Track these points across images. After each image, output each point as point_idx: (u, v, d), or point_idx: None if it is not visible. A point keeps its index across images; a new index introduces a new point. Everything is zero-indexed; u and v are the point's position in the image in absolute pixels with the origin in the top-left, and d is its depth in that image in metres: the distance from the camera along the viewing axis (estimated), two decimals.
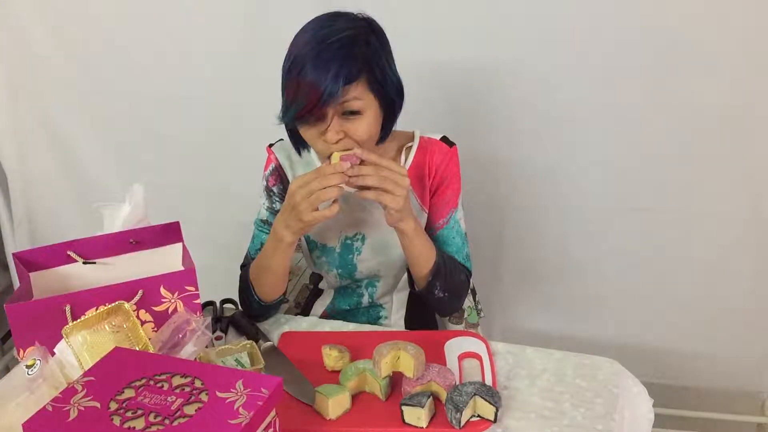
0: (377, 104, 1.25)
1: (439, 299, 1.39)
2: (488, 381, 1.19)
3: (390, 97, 1.27)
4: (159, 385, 0.95)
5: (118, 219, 1.28)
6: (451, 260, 1.40)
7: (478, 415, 1.12)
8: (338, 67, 1.17)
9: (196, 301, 1.19)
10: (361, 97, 1.21)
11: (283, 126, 1.32)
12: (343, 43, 1.19)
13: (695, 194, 1.75)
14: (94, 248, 1.26)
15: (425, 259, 1.34)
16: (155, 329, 1.16)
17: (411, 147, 1.42)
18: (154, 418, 0.89)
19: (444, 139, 1.43)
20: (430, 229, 1.43)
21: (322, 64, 1.17)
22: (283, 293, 1.40)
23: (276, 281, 1.36)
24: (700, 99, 1.65)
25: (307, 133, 1.26)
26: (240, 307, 1.44)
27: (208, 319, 1.17)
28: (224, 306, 1.46)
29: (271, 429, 0.96)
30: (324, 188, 1.18)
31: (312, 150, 1.41)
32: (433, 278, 1.35)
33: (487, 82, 1.76)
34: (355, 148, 1.21)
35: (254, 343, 1.28)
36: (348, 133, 1.23)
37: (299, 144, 1.36)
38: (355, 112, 1.22)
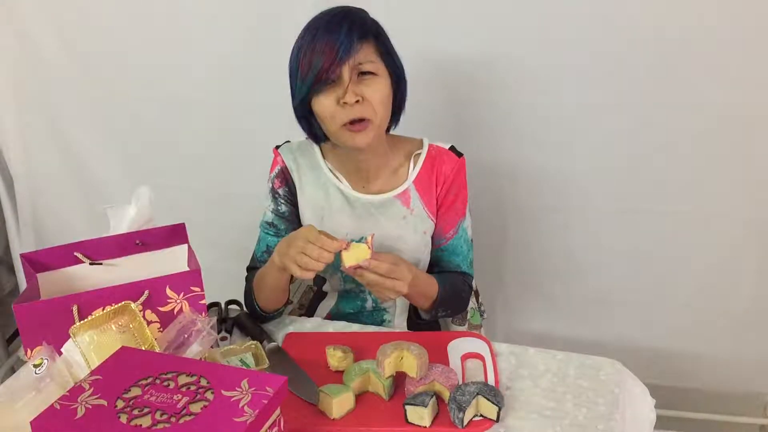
0: (387, 71, 1.29)
1: (443, 316, 1.46)
2: (491, 381, 1.20)
3: (397, 72, 1.31)
4: (165, 383, 0.96)
5: (125, 221, 1.29)
6: (452, 285, 1.42)
7: (481, 415, 1.13)
8: (350, 25, 1.23)
9: (201, 302, 1.20)
10: (373, 59, 1.26)
11: (288, 127, 1.34)
12: (350, 11, 1.27)
13: (697, 195, 1.75)
14: (100, 249, 1.27)
15: (427, 298, 1.37)
16: (161, 329, 1.17)
17: (420, 154, 1.43)
18: (161, 416, 0.90)
19: (452, 149, 1.44)
20: (438, 240, 1.45)
21: (335, 25, 1.24)
22: (283, 305, 1.41)
23: (273, 296, 1.37)
24: (702, 99, 1.66)
25: (323, 103, 1.27)
26: (245, 309, 1.45)
27: (214, 320, 1.18)
28: (229, 307, 1.47)
29: (276, 428, 0.97)
30: (314, 260, 1.19)
31: (317, 152, 1.42)
32: (436, 308, 1.39)
33: (490, 84, 1.77)
34: (369, 260, 1.20)
35: (259, 344, 1.30)
36: (365, 96, 1.26)
37: (314, 133, 1.36)
38: (370, 73, 1.26)
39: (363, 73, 1.26)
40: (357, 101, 1.25)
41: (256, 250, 1.46)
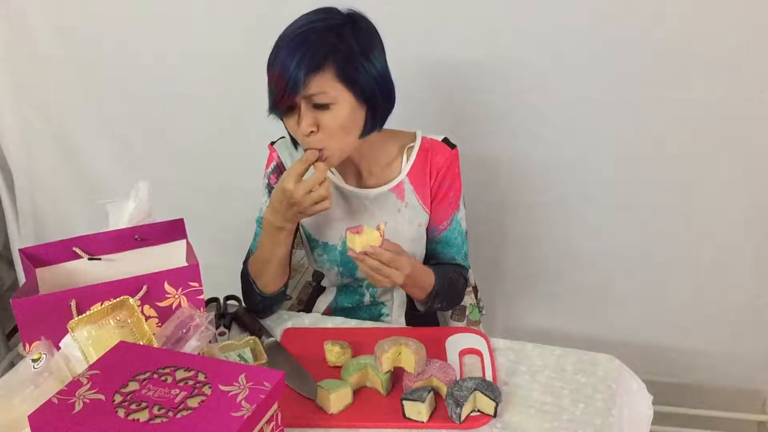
0: (351, 96, 1.25)
1: (438, 308, 1.46)
2: (488, 377, 1.21)
3: (369, 90, 1.26)
4: (163, 378, 0.96)
5: (123, 216, 1.29)
6: (448, 277, 1.42)
7: (479, 410, 1.13)
8: (301, 56, 1.19)
9: (199, 297, 1.20)
10: (328, 89, 1.22)
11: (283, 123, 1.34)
12: (310, 33, 1.22)
13: (696, 192, 1.76)
14: (99, 244, 1.26)
15: (423, 290, 1.37)
16: (159, 324, 1.17)
17: (413, 147, 1.43)
18: (158, 411, 0.90)
19: (446, 140, 1.44)
20: (432, 231, 1.45)
21: (290, 53, 1.21)
22: (284, 285, 1.41)
23: (278, 272, 1.38)
24: (701, 97, 1.66)
25: (287, 124, 1.29)
26: (243, 304, 1.45)
27: (212, 315, 1.18)
28: (227, 302, 1.47)
29: (273, 422, 0.98)
30: (321, 182, 1.21)
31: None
32: (432, 300, 1.39)
33: (488, 81, 1.77)
34: (375, 246, 1.20)
35: (257, 339, 1.30)
36: (321, 126, 1.24)
37: (292, 137, 1.37)
38: (324, 105, 1.23)
39: (318, 105, 1.23)
40: (312, 131, 1.24)
41: (252, 246, 1.46)
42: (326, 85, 1.22)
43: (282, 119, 1.30)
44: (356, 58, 1.24)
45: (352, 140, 1.29)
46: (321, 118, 1.24)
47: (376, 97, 1.28)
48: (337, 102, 1.23)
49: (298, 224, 1.46)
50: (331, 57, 1.22)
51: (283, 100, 1.22)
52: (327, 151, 1.26)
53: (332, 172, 1.42)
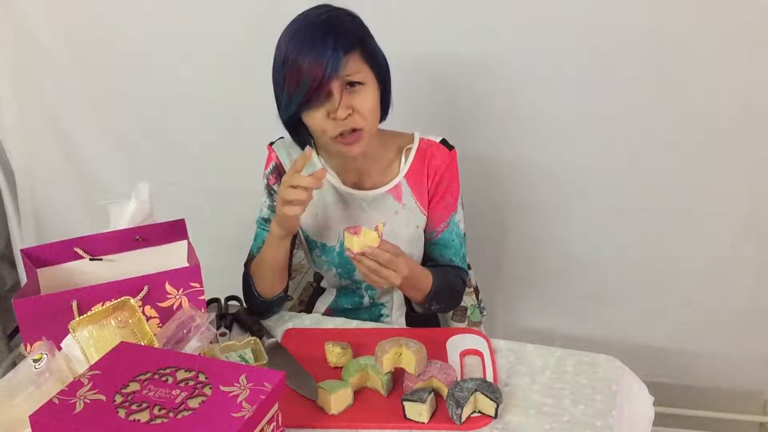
0: (374, 77, 1.28)
1: (436, 310, 1.46)
2: (489, 377, 1.21)
3: (383, 71, 1.31)
4: (164, 378, 0.96)
5: (124, 216, 1.29)
6: (446, 280, 1.42)
7: (479, 411, 1.13)
8: (334, 40, 1.21)
9: (200, 298, 1.20)
10: (360, 68, 1.25)
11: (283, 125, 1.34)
12: (331, 20, 1.24)
13: (696, 193, 1.75)
14: (100, 245, 1.27)
15: (421, 292, 1.37)
16: (160, 325, 1.17)
17: (411, 149, 1.43)
18: (159, 411, 0.90)
19: (443, 142, 1.44)
20: (430, 233, 1.45)
21: (319, 41, 1.21)
22: (282, 290, 1.42)
23: (272, 276, 1.38)
24: (701, 99, 1.66)
25: (314, 117, 1.27)
26: (244, 305, 1.45)
27: (213, 316, 1.18)
28: (228, 303, 1.47)
29: (274, 423, 0.98)
30: (295, 187, 1.22)
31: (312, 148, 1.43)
32: (430, 301, 1.39)
33: (489, 81, 1.76)
34: (373, 247, 1.21)
35: (258, 340, 1.30)
36: (355, 108, 1.26)
37: (302, 140, 1.37)
38: (358, 83, 1.25)
39: (352, 84, 1.25)
40: (349, 114, 1.25)
41: (253, 247, 1.46)
42: (359, 65, 1.25)
43: (302, 118, 1.29)
44: (371, 41, 1.29)
45: (376, 126, 1.32)
46: (353, 101, 1.25)
47: (387, 80, 1.32)
48: (366, 82, 1.27)
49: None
50: (357, 40, 1.25)
51: (321, 87, 1.22)
52: (363, 131, 1.28)
53: (330, 174, 1.42)
